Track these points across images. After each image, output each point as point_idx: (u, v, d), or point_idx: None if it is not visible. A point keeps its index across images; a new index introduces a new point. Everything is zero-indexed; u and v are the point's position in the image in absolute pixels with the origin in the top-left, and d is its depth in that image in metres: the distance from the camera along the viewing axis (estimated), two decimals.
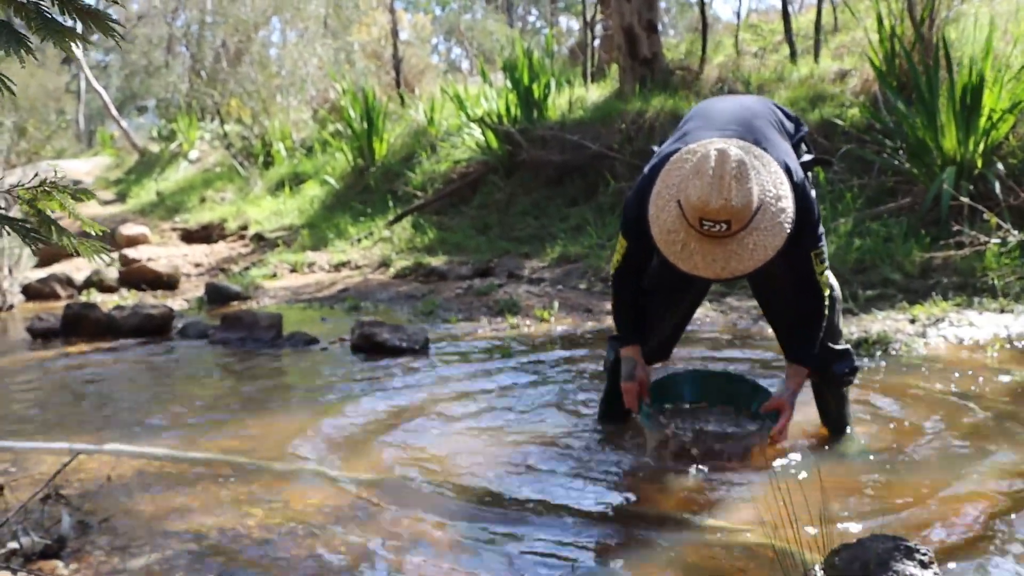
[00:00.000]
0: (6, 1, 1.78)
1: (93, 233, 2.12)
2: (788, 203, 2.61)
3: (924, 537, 2.32)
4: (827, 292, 2.96)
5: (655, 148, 3.30)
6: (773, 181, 2.61)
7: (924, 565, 1.90)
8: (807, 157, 3.08)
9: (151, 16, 25.31)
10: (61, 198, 1.98)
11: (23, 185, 1.96)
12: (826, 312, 2.97)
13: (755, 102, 3.11)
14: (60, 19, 1.83)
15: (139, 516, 2.67)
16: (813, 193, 2.85)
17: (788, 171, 2.72)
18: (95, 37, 1.87)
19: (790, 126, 3.07)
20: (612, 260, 3.09)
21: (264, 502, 2.77)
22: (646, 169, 2.94)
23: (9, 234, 1.83)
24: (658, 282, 3.10)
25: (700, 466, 2.92)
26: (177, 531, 2.54)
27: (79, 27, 1.86)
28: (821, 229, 2.88)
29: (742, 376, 3.45)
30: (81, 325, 6.20)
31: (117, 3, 1.89)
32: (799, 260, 2.82)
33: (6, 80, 1.83)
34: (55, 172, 2.03)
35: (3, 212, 1.86)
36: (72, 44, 1.83)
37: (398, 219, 10.54)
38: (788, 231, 2.59)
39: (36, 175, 1.99)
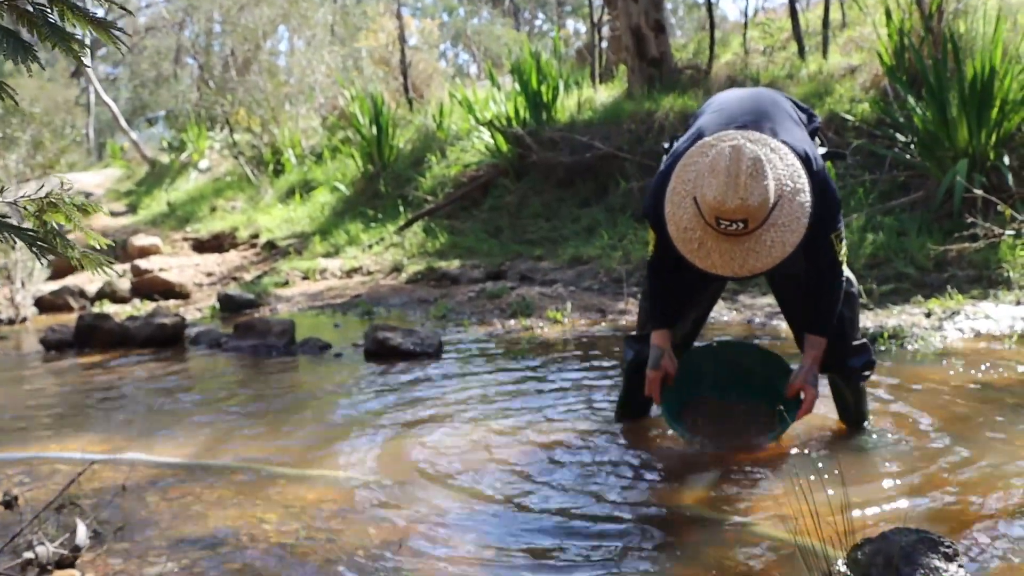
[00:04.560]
0: (11, 9, 1.77)
1: (98, 246, 2.10)
2: (806, 196, 2.57)
3: (947, 529, 2.29)
4: (844, 266, 2.91)
5: (666, 146, 3.27)
6: (790, 174, 2.57)
7: (948, 558, 1.87)
8: (821, 151, 3.05)
9: (159, 27, 25.47)
10: (67, 211, 1.97)
11: (28, 197, 1.94)
12: (843, 286, 2.92)
13: (767, 93, 3.08)
14: (64, 27, 1.81)
15: (154, 524, 2.66)
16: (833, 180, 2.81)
17: (807, 159, 2.68)
18: (102, 51, 1.87)
19: (803, 117, 3.03)
20: (647, 251, 3.05)
21: (280, 508, 2.75)
22: (661, 167, 2.91)
23: (14, 247, 1.82)
24: (677, 278, 3.04)
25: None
26: (193, 538, 2.53)
27: (83, 36, 1.85)
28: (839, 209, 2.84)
29: (756, 346, 3.39)
30: (94, 336, 6.22)
31: (128, 11, 1.88)
32: (822, 246, 2.77)
33: (8, 89, 1.81)
34: (61, 184, 2.02)
35: (10, 222, 1.84)
36: (80, 53, 1.81)
37: (409, 224, 10.54)
38: (806, 225, 2.55)
39: (42, 186, 1.98)
